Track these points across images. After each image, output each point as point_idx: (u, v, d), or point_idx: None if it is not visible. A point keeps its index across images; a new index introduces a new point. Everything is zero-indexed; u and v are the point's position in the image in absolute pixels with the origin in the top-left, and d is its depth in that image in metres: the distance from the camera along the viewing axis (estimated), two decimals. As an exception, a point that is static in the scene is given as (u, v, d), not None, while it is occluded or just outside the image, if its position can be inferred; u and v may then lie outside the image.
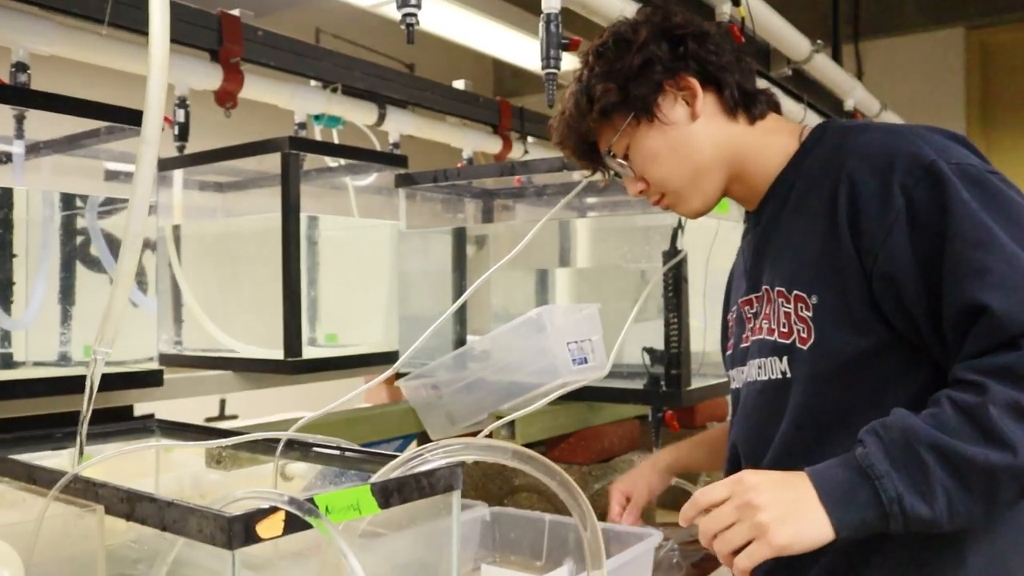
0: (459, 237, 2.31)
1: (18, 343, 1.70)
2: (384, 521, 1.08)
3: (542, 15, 1.72)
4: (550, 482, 1.19)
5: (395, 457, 1.16)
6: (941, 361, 1.12)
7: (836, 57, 4.18)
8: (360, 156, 2.29)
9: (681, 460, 1.69)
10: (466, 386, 1.85)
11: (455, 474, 1.07)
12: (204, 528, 0.85)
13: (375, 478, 1.05)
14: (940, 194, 1.10)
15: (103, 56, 2.01)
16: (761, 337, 1.30)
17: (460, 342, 2.28)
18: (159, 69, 1.04)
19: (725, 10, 2.13)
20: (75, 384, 1.60)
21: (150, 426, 1.46)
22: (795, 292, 1.23)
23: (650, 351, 1.87)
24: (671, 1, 1.41)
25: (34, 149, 1.93)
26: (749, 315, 1.35)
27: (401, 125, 2.90)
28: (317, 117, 2.66)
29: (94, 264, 1.80)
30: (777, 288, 1.27)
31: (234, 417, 2.92)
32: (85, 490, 0.99)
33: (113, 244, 1.80)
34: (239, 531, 0.83)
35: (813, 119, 3.03)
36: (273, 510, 0.86)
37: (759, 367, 1.30)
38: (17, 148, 1.90)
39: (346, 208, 2.49)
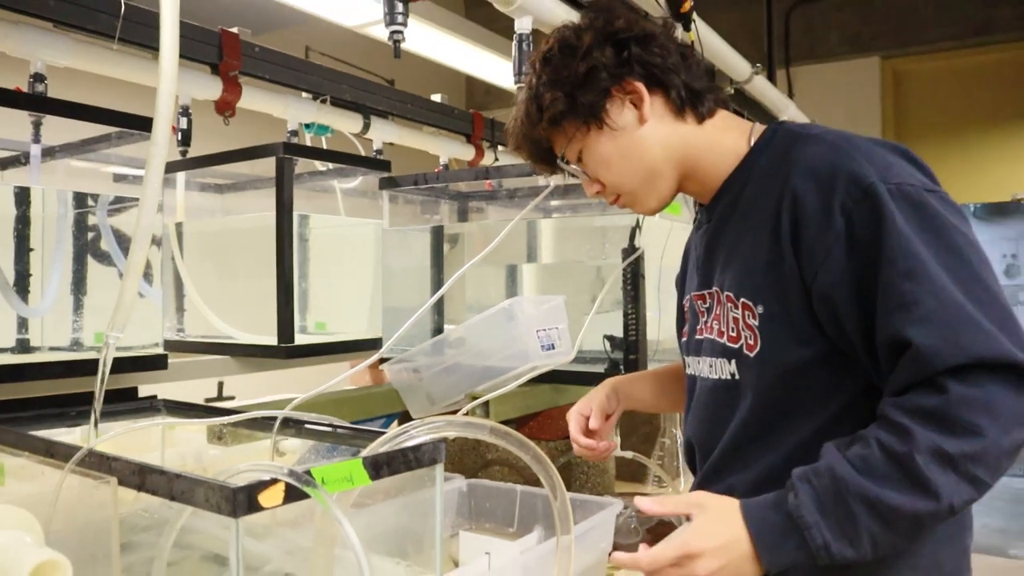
0: (437, 235, 2.29)
1: (34, 330, 1.66)
2: (373, 492, 1.06)
3: (515, 35, 1.70)
4: (524, 455, 1.18)
5: (382, 434, 1.14)
6: (874, 378, 1.06)
7: (771, 79, 4.21)
8: (348, 161, 2.26)
9: (624, 388, 1.53)
10: (444, 370, 1.83)
11: (439, 448, 1.05)
12: (211, 498, 0.82)
13: (366, 452, 1.02)
14: (877, 218, 1.01)
15: (113, 68, 1.96)
16: (712, 337, 1.23)
17: (438, 330, 2.26)
18: (168, 81, 1.01)
19: (677, 35, 2.11)
20: (86, 367, 1.57)
21: (156, 406, 1.42)
22: (742, 299, 1.15)
23: (610, 338, 1.86)
24: (616, 3, 1.25)
25: (49, 152, 1.88)
26: (702, 309, 1.28)
27: (384, 134, 2.87)
28: (308, 125, 2.62)
29: (104, 258, 1.75)
30: (726, 292, 1.19)
31: (231, 398, 2.88)
32: (99, 463, 0.95)
33: (121, 240, 1.76)
34: (243, 501, 0.81)
35: (751, 133, 3.05)
36: (274, 481, 0.84)
37: (710, 366, 1.23)
38: (35, 150, 1.85)
39: (333, 208, 2.46)
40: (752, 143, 1.20)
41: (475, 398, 1.72)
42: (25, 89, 1.78)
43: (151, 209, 1.01)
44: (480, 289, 2.36)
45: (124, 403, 1.41)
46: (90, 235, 1.74)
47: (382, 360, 2.15)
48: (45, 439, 1.05)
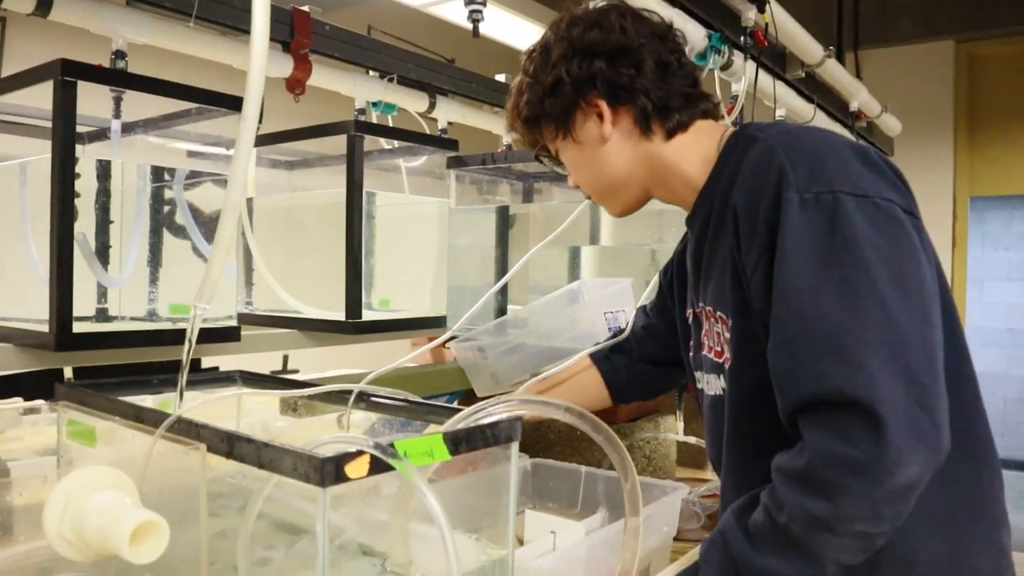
0: (502, 215, 2.30)
1: (112, 300, 1.71)
2: (448, 467, 1.08)
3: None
4: (596, 436, 1.18)
5: (455, 410, 1.16)
6: None
7: (839, 62, 4.12)
8: (417, 139, 2.29)
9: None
10: (509, 350, 1.84)
11: (515, 427, 1.06)
12: (299, 467, 0.85)
13: (444, 427, 1.04)
14: (782, 235, 0.97)
15: (189, 45, 2.00)
16: (704, 354, 1.23)
17: (501, 309, 2.28)
18: (259, 55, 1.03)
19: (751, 16, 2.09)
20: (164, 336, 1.61)
21: (233, 376, 1.46)
22: (719, 313, 1.14)
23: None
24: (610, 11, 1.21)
25: (129, 128, 1.93)
26: (698, 327, 1.27)
27: (448, 113, 2.88)
28: (375, 104, 2.65)
29: (179, 231, 1.80)
30: (707, 307, 1.19)
31: (295, 371, 2.93)
32: (188, 430, 0.99)
33: (197, 214, 1.81)
34: (331, 471, 0.83)
35: (821, 119, 2.99)
36: (359, 453, 0.86)
37: (707, 382, 1.23)
38: (115, 125, 1.90)
39: (397, 185, 2.49)
40: (719, 149, 1.18)
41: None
42: (107, 66, 1.83)
43: (241, 184, 1.04)
44: (542, 269, 2.37)
45: (203, 373, 1.44)
46: (166, 208, 1.78)
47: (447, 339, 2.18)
48: (135, 405, 1.08)
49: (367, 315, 2.06)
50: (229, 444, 0.93)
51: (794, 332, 0.94)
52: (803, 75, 2.68)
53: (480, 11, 1.43)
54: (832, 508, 0.90)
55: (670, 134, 1.19)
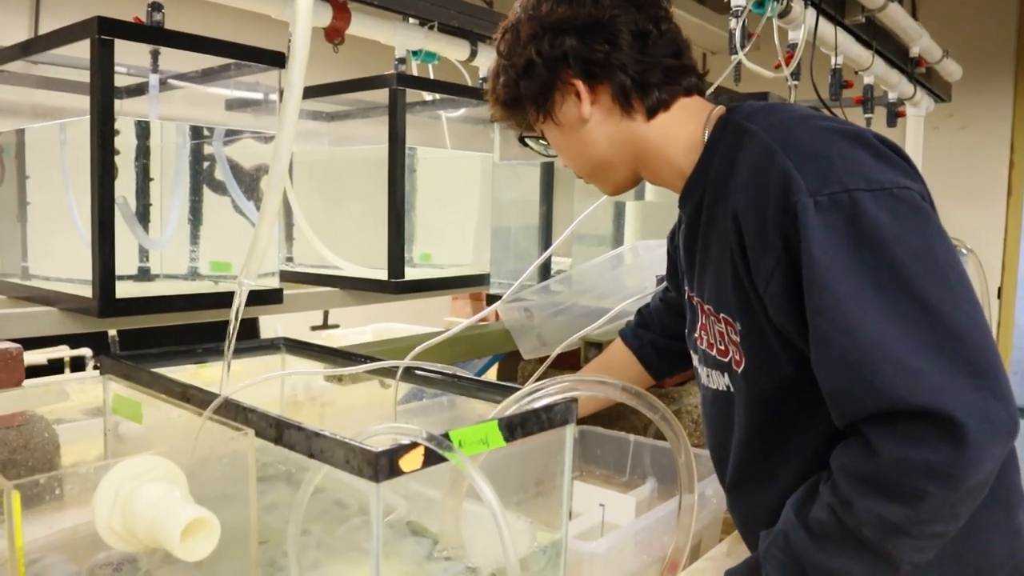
0: (547, 171, 2.24)
1: (154, 258, 1.70)
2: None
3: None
4: (653, 416, 1.15)
5: (508, 387, 1.12)
6: None
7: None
8: (461, 92, 2.22)
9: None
10: (557, 311, 1.80)
11: (570, 409, 1.03)
12: (352, 460, 0.82)
13: (495, 413, 1.01)
14: (806, 242, 0.91)
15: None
16: (704, 348, 1.18)
17: (545, 266, 2.23)
18: (305, 21, 0.98)
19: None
20: (207, 300, 1.60)
21: (277, 344, 1.44)
22: (722, 315, 1.09)
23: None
24: None
25: (166, 82, 1.90)
26: (695, 312, 1.21)
27: (490, 61, 2.79)
28: (415, 53, 2.58)
29: (219, 187, 1.77)
30: (707, 305, 1.13)
31: (336, 326, 2.93)
32: (235, 413, 0.96)
33: (237, 170, 1.78)
34: (384, 465, 0.80)
35: (879, 65, 2.87)
36: (414, 445, 0.83)
37: (707, 376, 1.18)
38: (153, 80, 1.87)
39: (438, 136, 2.44)
40: (706, 135, 1.11)
41: (589, 342, 1.70)
42: (143, 19, 1.79)
43: (286, 156, 0.99)
44: (585, 222, 2.31)
45: (248, 341, 1.42)
46: (206, 165, 1.75)
47: (491, 299, 2.14)
48: (182, 384, 1.06)
49: (410, 272, 2.03)
50: (278, 430, 0.91)
51: (843, 346, 0.89)
52: (863, 20, 2.55)
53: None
54: (910, 513, 0.86)
55: (651, 112, 1.12)
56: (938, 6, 5.01)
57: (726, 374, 1.12)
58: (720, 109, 1.13)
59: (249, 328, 3.20)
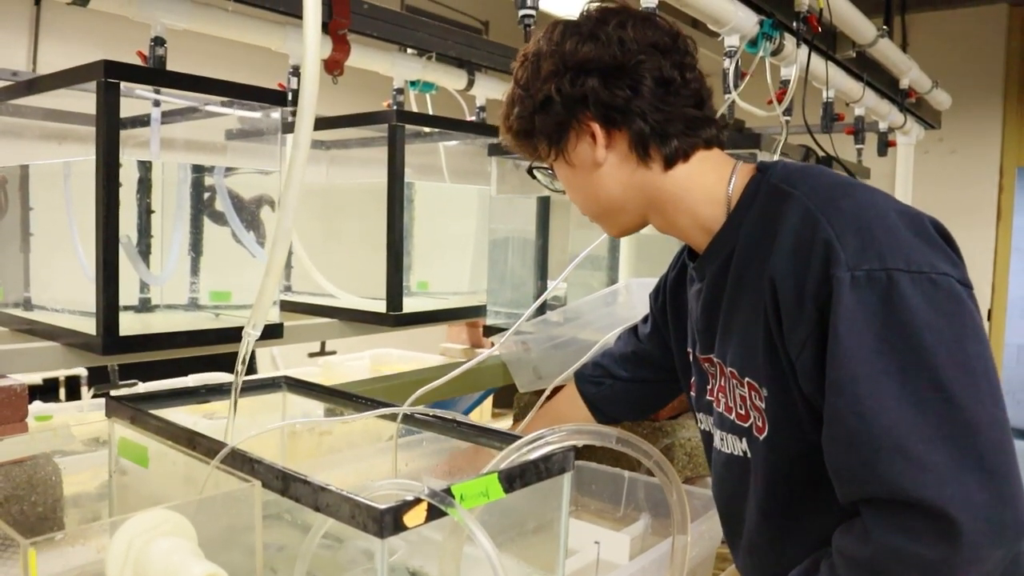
0: (544, 204, 2.27)
1: (155, 289, 1.72)
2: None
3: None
4: (647, 461, 1.18)
5: (507, 435, 1.15)
6: None
7: (887, 30, 4.00)
8: (458, 127, 2.26)
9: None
10: (554, 345, 1.83)
11: (568, 458, 1.05)
12: (357, 516, 0.85)
13: (494, 463, 1.03)
14: (835, 316, 0.90)
15: (228, 30, 1.97)
16: (721, 412, 1.15)
17: (540, 293, 2.27)
18: (312, 65, 1.01)
19: (804, 1, 2.02)
20: (205, 336, 1.62)
21: (278, 382, 1.46)
22: (747, 379, 1.06)
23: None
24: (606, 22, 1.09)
25: (170, 115, 1.93)
26: (710, 372, 1.19)
27: (487, 90, 2.84)
28: (413, 83, 2.62)
29: (219, 218, 1.80)
30: (730, 368, 1.10)
31: (333, 352, 2.95)
32: (242, 464, 0.99)
33: (237, 202, 1.80)
34: (389, 522, 0.83)
35: (870, 97, 2.91)
36: (417, 501, 0.86)
37: (722, 439, 1.16)
38: (155, 114, 1.90)
39: (436, 165, 2.47)
40: (731, 190, 1.08)
41: (583, 378, 1.72)
42: (146, 52, 1.82)
43: (291, 210, 1.02)
44: (580, 248, 2.33)
45: (250, 379, 1.45)
46: (207, 196, 1.78)
47: (486, 328, 2.17)
48: (188, 430, 1.08)
49: (408, 304, 2.06)
50: (284, 483, 0.93)
51: (852, 427, 0.88)
52: (853, 55, 2.60)
53: (532, 15, 1.38)
54: None
55: (669, 162, 1.09)
56: (929, 36, 5.09)
57: (744, 439, 1.10)
58: (747, 166, 1.11)
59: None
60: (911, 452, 0.84)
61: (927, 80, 3.34)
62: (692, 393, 1.26)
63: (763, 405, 1.04)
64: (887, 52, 2.72)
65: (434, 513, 0.87)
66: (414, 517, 0.85)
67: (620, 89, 1.05)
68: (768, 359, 1.02)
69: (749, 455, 1.10)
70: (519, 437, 1.07)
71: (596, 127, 1.08)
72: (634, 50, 1.05)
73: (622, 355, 1.53)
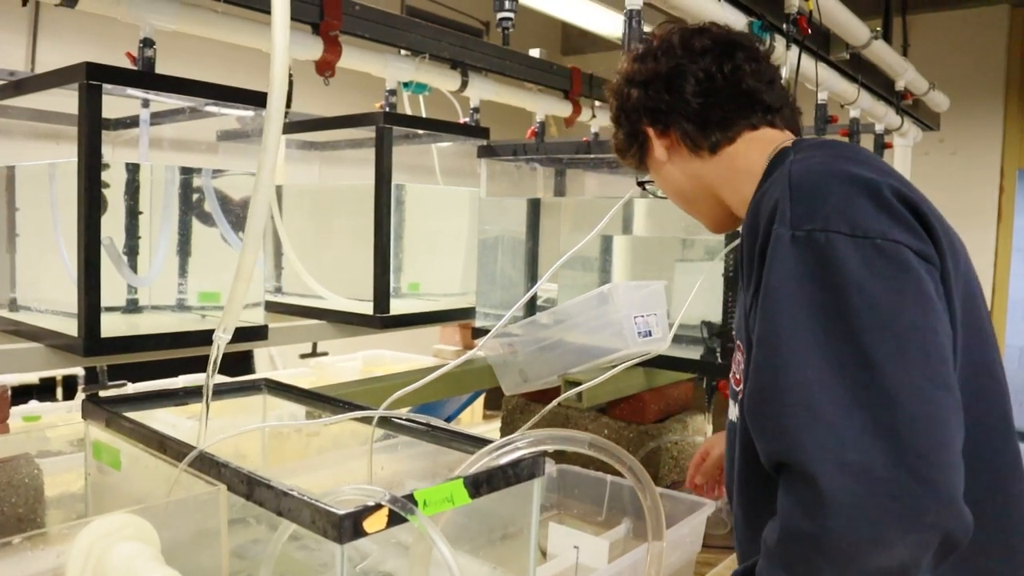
0: (534, 206, 2.27)
1: (142, 289, 1.72)
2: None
3: (625, 11, 1.64)
4: (620, 467, 1.17)
5: (479, 439, 1.15)
6: None
7: (887, 30, 3.99)
8: (448, 129, 2.25)
9: None
10: (540, 348, 1.82)
11: (537, 464, 1.05)
12: (317, 521, 0.84)
13: (464, 467, 1.03)
14: (768, 270, 0.92)
15: (218, 31, 1.97)
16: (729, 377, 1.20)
17: (531, 298, 2.26)
18: (281, 67, 1.00)
19: (794, 2, 2.01)
20: (192, 338, 1.62)
21: (259, 385, 1.46)
22: (738, 341, 1.12)
23: (708, 325, 1.82)
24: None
25: (159, 116, 1.93)
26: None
27: (481, 91, 2.83)
28: (406, 84, 2.61)
29: (207, 219, 1.80)
30: (733, 333, 1.19)
31: (325, 354, 2.95)
32: (210, 467, 0.99)
33: (226, 202, 1.81)
34: (348, 527, 0.83)
35: (865, 99, 2.90)
36: (378, 507, 0.85)
37: (729, 407, 1.19)
38: (144, 115, 1.90)
39: (428, 166, 2.47)
40: (764, 170, 1.13)
41: (568, 381, 1.72)
42: (135, 53, 1.82)
43: (261, 213, 1.02)
44: (574, 257, 2.33)
45: (231, 381, 1.45)
46: (195, 197, 1.78)
47: (475, 329, 2.17)
48: (160, 434, 1.08)
49: (396, 306, 2.06)
50: (249, 487, 0.93)
51: (768, 380, 0.88)
52: (847, 56, 2.59)
53: (510, 19, 1.38)
54: None
55: (713, 148, 1.18)
56: (929, 37, 5.07)
57: (737, 405, 1.12)
58: (788, 140, 1.16)
59: (243, 356, 3.22)
60: (819, 412, 0.82)
61: (924, 82, 3.32)
62: None
63: (744, 367, 1.06)
64: (882, 54, 2.70)
65: (396, 519, 0.87)
66: (375, 523, 0.85)
67: (659, 93, 1.19)
68: (747, 319, 1.04)
69: (737, 421, 1.11)
70: (490, 442, 1.07)
71: (650, 131, 1.22)
72: (671, 57, 1.18)
73: None
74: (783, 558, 0.85)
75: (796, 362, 0.85)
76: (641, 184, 1.41)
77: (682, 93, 1.17)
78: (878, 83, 3.00)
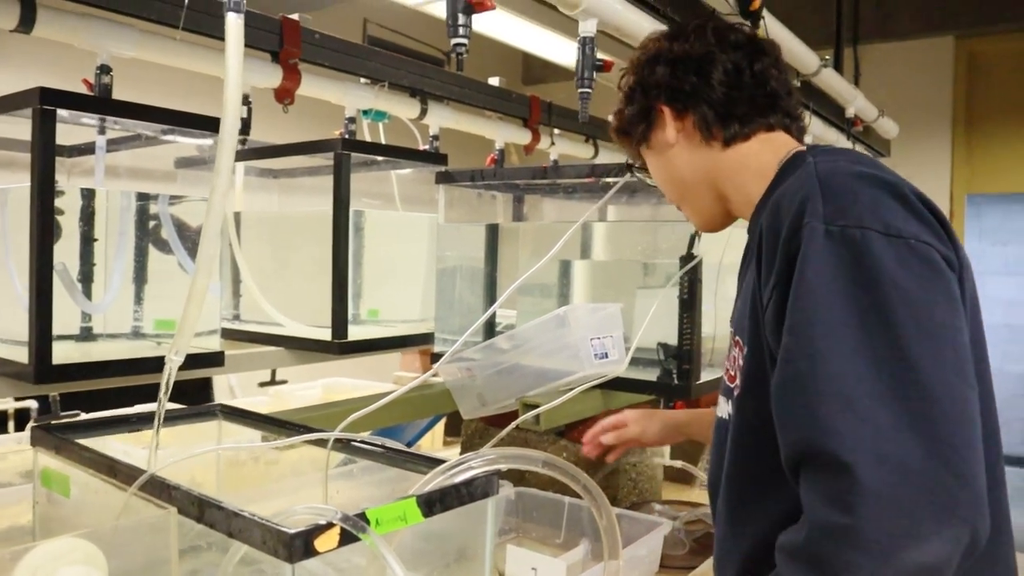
0: (492, 232, 2.28)
1: (97, 317, 1.70)
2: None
3: (579, 38, 1.67)
4: (575, 485, 1.18)
5: (434, 460, 1.15)
6: None
7: (838, 59, 4.08)
8: (406, 155, 2.27)
9: (692, 427, 1.66)
10: (498, 371, 1.83)
11: (491, 482, 1.05)
12: (268, 540, 0.84)
13: (418, 487, 1.03)
14: (803, 262, 0.91)
15: (177, 59, 1.97)
16: (721, 375, 1.19)
17: (489, 325, 2.27)
18: (234, 103, 1.01)
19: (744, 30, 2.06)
20: (147, 365, 1.60)
21: (214, 411, 1.45)
22: (736, 337, 1.10)
23: (664, 346, 1.84)
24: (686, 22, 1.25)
25: (115, 143, 1.92)
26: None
27: (441, 119, 2.85)
28: (365, 112, 2.62)
29: (164, 246, 1.79)
30: (731, 329, 1.15)
31: (284, 382, 2.93)
32: (160, 490, 0.98)
33: (183, 229, 1.80)
34: (299, 547, 0.82)
35: (817, 125, 2.97)
36: (329, 526, 0.85)
37: (718, 405, 1.18)
38: (100, 141, 1.89)
39: (387, 193, 2.47)
40: (780, 167, 1.13)
41: (526, 404, 1.72)
42: (91, 80, 1.81)
43: (213, 237, 1.02)
44: (533, 279, 2.34)
45: (185, 408, 1.43)
46: (151, 224, 1.77)
47: (435, 355, 2.17)
48: (109, 458, 1.07)
49: (354, 331, 2.05)
50: (200, 509, 0.93)
51: (801, 369, 0.87)
52: (798, 84, 2.65)
53: (464, 45, 1.40)
54: None
55: (728, 142, 1.18)
56: (879, 66, 5.21)
57: (729, 401, 1.11)
58: (800, 146, 1.17)
59: (201, 385, 3.18)
60: (856, 404, 0.82)
61: (873, 109, 3.41)
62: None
63: (741, 363, 1.06)
64: (831, 81, 2.78)
65: (348, 538, 0.87)
66: (326, 542, 0.85)
67: (688, 76, 1.18)
68: (751, 314, 1.04)
69: (730, 417, 1.10)
70: (443, 461, 1.07)
71: (666, 110, 1.21)
72: (703, 43, 1.18)
73: None
74: (813, 558, 0.82)
75: (832, 353, 0.85)
76: (629, 167, 1.40)
77: (709, 79, 1.17)
78: (829, 110, 3.07)
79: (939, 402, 0.81)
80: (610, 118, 1.32)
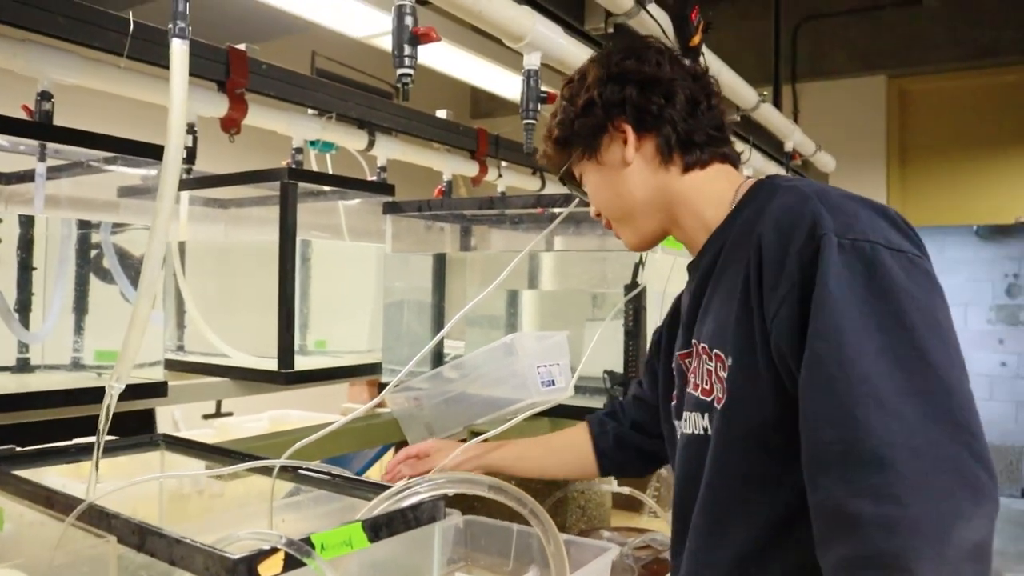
0: (439, 261, 2.29)
1: (35, 348, 1.67)
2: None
3: (523, 71, 1.70)
4: (521, 509, 1.18)
5: (382, 486, 1.15)
6: None
7: (777, 96, 4.20)
8: (353, 186, 2.27)
9: (492, 456, 1.57)
10: (445, 400, 1.83)
11: (438, 507, 1.05)
12: (211, 567, 0.83)
13: (364, 512, 1.03)
14: (823, 274, 0.95)
15: (121, 87, 1.96)
16: (689, 391, 1.19)
17: (437, 355, 2.27)
18: (177, 134, 1.01)
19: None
20: (87, 395, 1.57)
21: (156, 440, 1.42)
22: (715, 351, 1.11)
23: (610, 374, 1.86)
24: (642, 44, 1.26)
25: (56, 170, 1.89)
26: (687, 367, 1.22)
27: (388, 151, 2.87)
28: (312, 143, 2.62)
29: (106, 275, 1.76)
30: (702, 344, 1.15)
31: (229, 414, 2.88)
32: (99, 520, 0.96)
33: (125, 258, 1.77)
34: (242, 572, 0.81)
35: (757, 159, 3.05)
36: (273, 551, 0.84)
37: (686, 420, 1.19)
38: (40, 168, 1.86)
39: (335, 224, 2.47)
40: (738, 195, 1.16)
41: (474, 432, 1.72)
42: (32, 106, 1.79)
43: (156, 263, 1.01)
44: (481, 309, 2.35)
45: (127, 438, 1.41)
46: (93, 253, 1.74)
47: (383, 386, 2.16)
48: (46, 488, 1.05)
49: (301, 362, 2.03)
50: (140, 537, 0.91)
51: (833, 372, 0.92)
52: (738, 118, 2.73)
53: (410, 75, 1.42)
54: None
55: (687, 168, 1.19)
56: (817, 103, 5.37)
57: (706, 415, 1.12)
58: (753, 179, 1.19)
59: (145, 418, 3.11)
60: (886, 401, 0.88)
61: (811, 144, 3.51)
62: (672, 403, 1.28)
63: (725, 375, 1.08)
64: (770, 117, 2.86)
65: (292, 563, 0.86)
66: (270, 567, 0.84)
67: (655, 97, 1.18)
68: (739, 328, 1.06)
69: (709, 431, 1.12)
70: (389, 487, 1.07)
71: (629, 129, 1.19)
72: (669, 70, 1.19)
73: (628, 401, 1.58)
74: (877, 557, 0.84)
75: (860, 356, 0.91)
76: (563, 179, 1.36)
77: (674, 103, 1.18)
78: (768, 144, 3.16)
79: (956, 395, 0.89)
80: (547, 127, 1.31)
